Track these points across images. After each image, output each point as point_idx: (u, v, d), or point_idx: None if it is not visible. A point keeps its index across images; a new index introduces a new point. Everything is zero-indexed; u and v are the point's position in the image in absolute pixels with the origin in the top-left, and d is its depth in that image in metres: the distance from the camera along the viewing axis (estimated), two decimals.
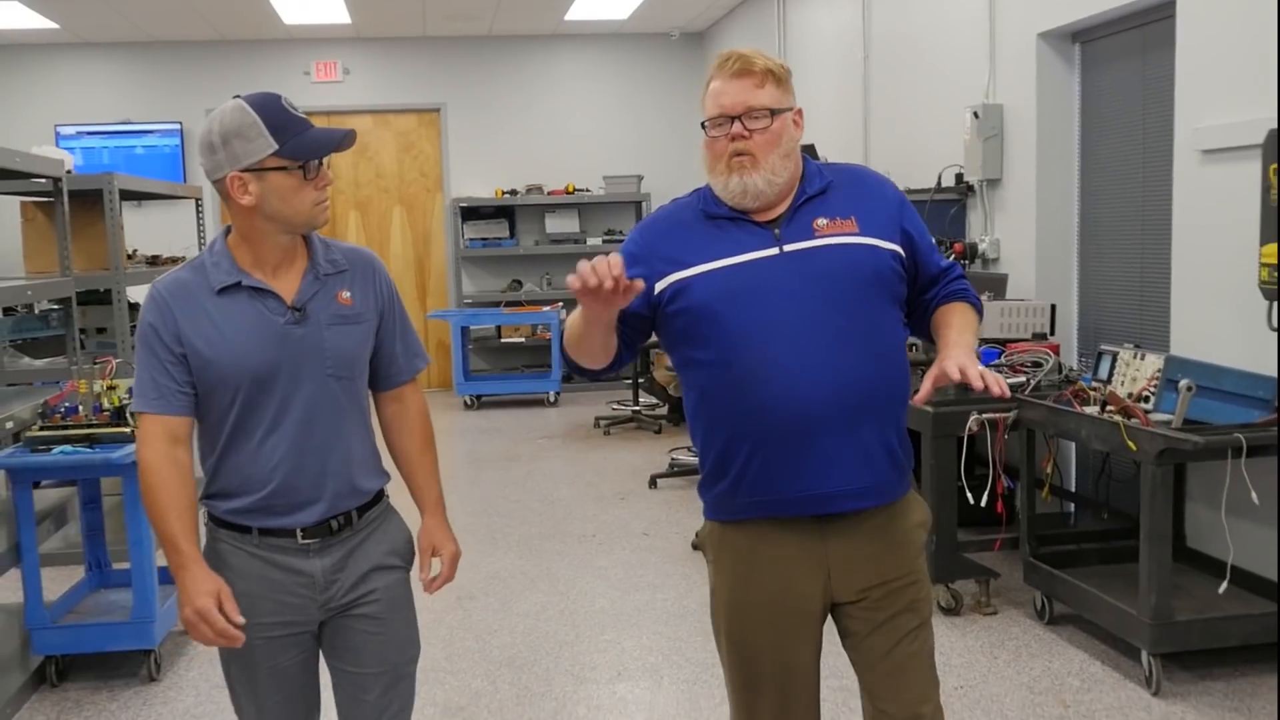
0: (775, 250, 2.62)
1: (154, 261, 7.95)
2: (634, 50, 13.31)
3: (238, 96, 2.64)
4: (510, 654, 5.02)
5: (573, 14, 11.94)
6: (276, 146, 2.58)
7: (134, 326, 6.87)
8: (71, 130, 12.35)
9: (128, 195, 7.31)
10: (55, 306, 7.48)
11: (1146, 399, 4.48)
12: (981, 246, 6.68)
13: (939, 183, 7.02)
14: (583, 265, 2.35)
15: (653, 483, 8.19)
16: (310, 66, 12.78)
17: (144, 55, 12.60)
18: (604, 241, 12.93)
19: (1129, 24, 5.67)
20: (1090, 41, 6.07)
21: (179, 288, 2.68)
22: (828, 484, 2.59)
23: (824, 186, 2.69)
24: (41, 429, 4.67)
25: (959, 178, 6.91)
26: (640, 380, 10.75)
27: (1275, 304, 4.29)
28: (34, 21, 11.13)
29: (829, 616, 2.74)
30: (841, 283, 2.60)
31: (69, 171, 6.12)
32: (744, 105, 2.60)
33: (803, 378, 2.55)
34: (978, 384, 2.43)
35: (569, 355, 2.76)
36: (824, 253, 2.61)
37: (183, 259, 8.19)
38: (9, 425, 4.59)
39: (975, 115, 6.54)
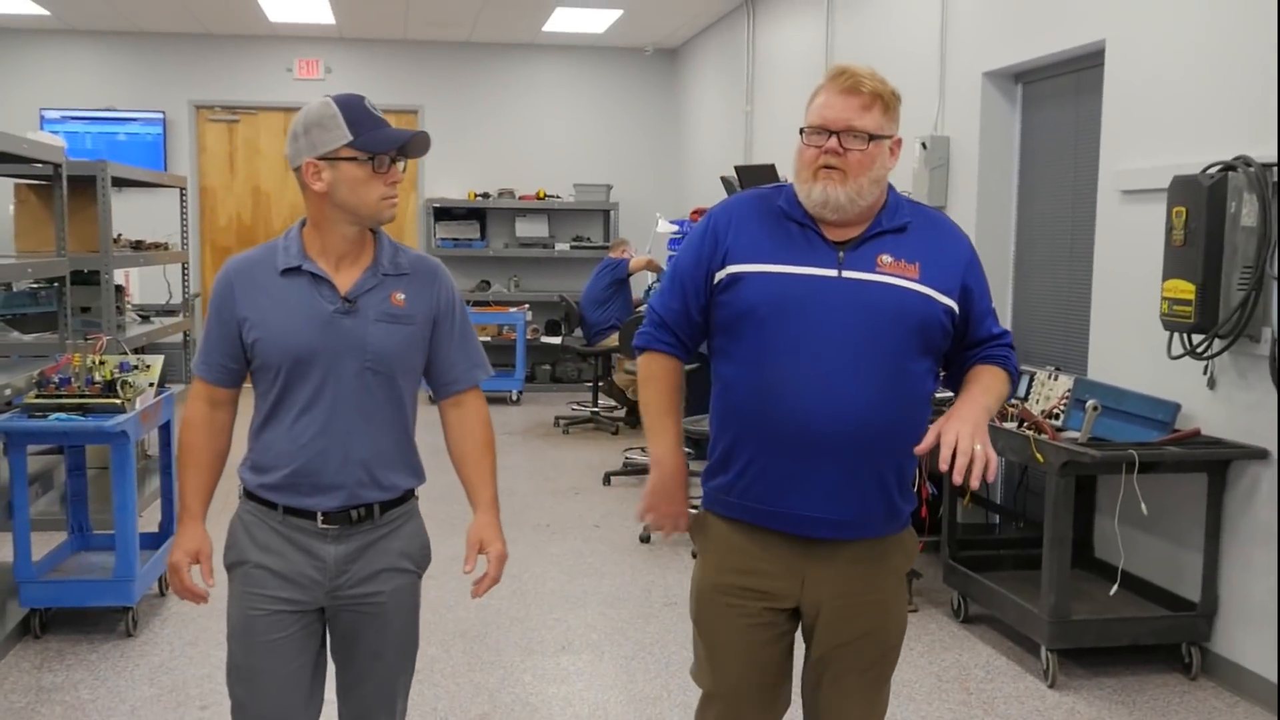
0: (834, 272, 2.64)
1: (138, 246, 8.25)
2: (609, 63, 13.66)
3: (327, 95, 2.80)
4: (464, 627, 5.39)
5: (551, 25, 12.24)
6: (351, 138, 2.71)
7: (119, 306, 7.26)
8: (56, 115, 12.57)
9: (115, 182, 7.63)
10: (42, 285, 7.77)
11: (1057, 416, 4.90)
12: None
13: None
14: (653, 515, 2.86)
15: (606, 480, 8.58)
16: (293, 64, 13.06)
17: (130, 45, 12.83)
18: (572, 247, 13.28)
19: (1065, 69, 6.09)
20: (1031, 82, 6.51)
21: (247, 265, 2.86)
22: (817, 510, 2.65)
23: (902, 224, 2.71)
24: (37, 397, 5.02)
25: None
26: (600, 383, 11.15)
27: (1173, 335, 4.72)
28: (26, 8, 11.41)
29: (800, 629, 2.84)
30: (886, 322, 2.62)
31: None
32: (846, 123, 2.62)
33: (817, 400, 2.59)
34: (961, 464, 2.46)
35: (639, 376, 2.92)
36: (879, 289, 2.63)
37: (165, 245, 8.56)
38: (7, 392, 4.92)
39: (924, 146, 6.96)
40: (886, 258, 2.65)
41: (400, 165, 2.81)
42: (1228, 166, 4.44)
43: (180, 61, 12.87)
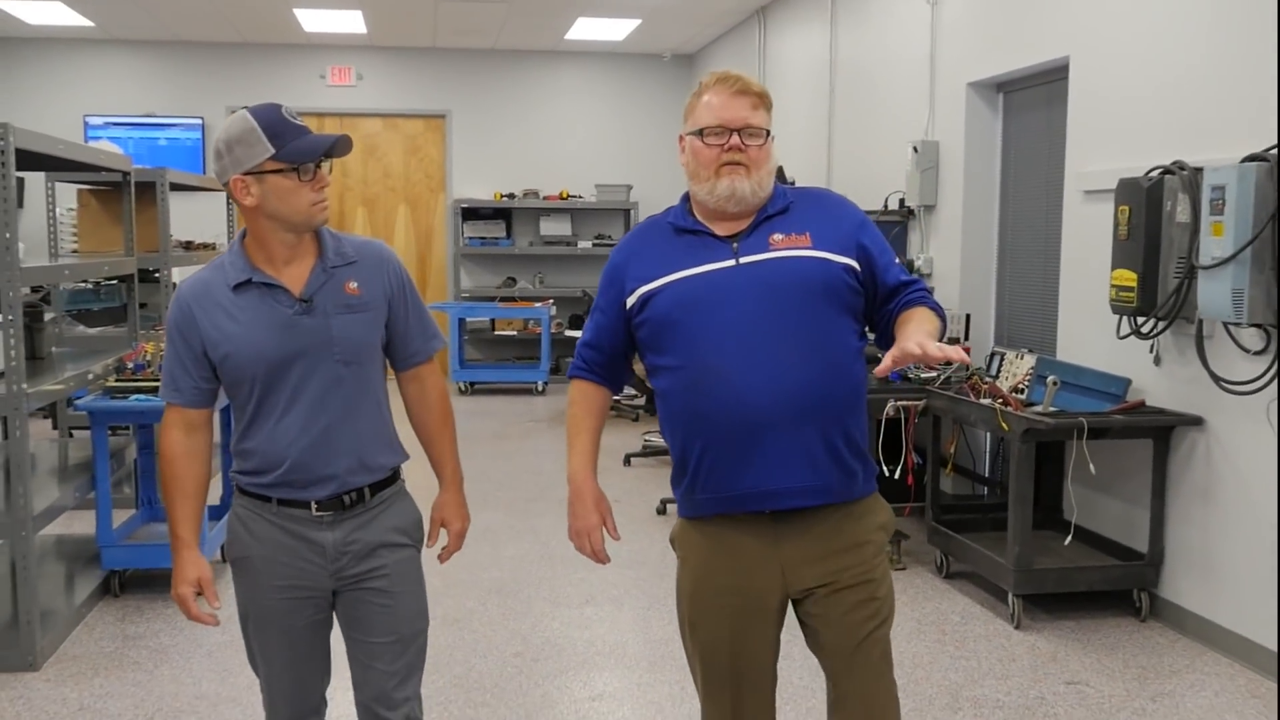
0: (731, 262, 2.76)
1: (188, 246, 8.85)
2: (628, 69, 14.19)
3: (243, 109, 2.83)
4: (498, 584, 6.02)
5: (573, 34, 12.78)
6: (273, 151, 2.76)
7: None
8: (99, 121, 13.12)
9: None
10: (90, 284, 8.37)
11: (1022, 391, 5.51)
12: (918, 263, 7.69)
13: (886, 205, 8.05)
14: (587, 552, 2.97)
15: (627, 460, 9.22)
16: (326, 71, 13.58)
17: (170, 53, 13.38)
18: (594, 245, 13.82)
19: (1038, 80, 6.68)
20: (1010, 92, 7.10)
21: (201, 287, 2.90)
22: (772, 481, 2.72)
23: (785, 206, 2.83)
24: (117, 381, 5.66)
25: (901, 202, 7.94)
26: None
27: (1120, 318, 5.33)
28: (72, 19, 11.98)
29: (789, 611, 2.90)
30: (792, 293, 2.72)
31: None
32: (744, 121, 2.76)
33: (749, 380, 2.68)
34: (937, 355, 2.51)
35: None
36: (776, 264, 2.74)
37: (212, 245, 9.19)
38: (91, 376, 5.55)
39: (915, 149, 7.55)
40: (778, 236, 2.78)
41: (326, 168, 2.86)
42: (1166, 170, 5.04)
43: (218, 69, 13.40)
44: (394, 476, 3.06)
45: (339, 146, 2.83)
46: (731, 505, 2.78)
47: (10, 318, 4.63)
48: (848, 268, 2.78)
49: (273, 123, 2.77)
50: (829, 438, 2.74)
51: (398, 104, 13.69)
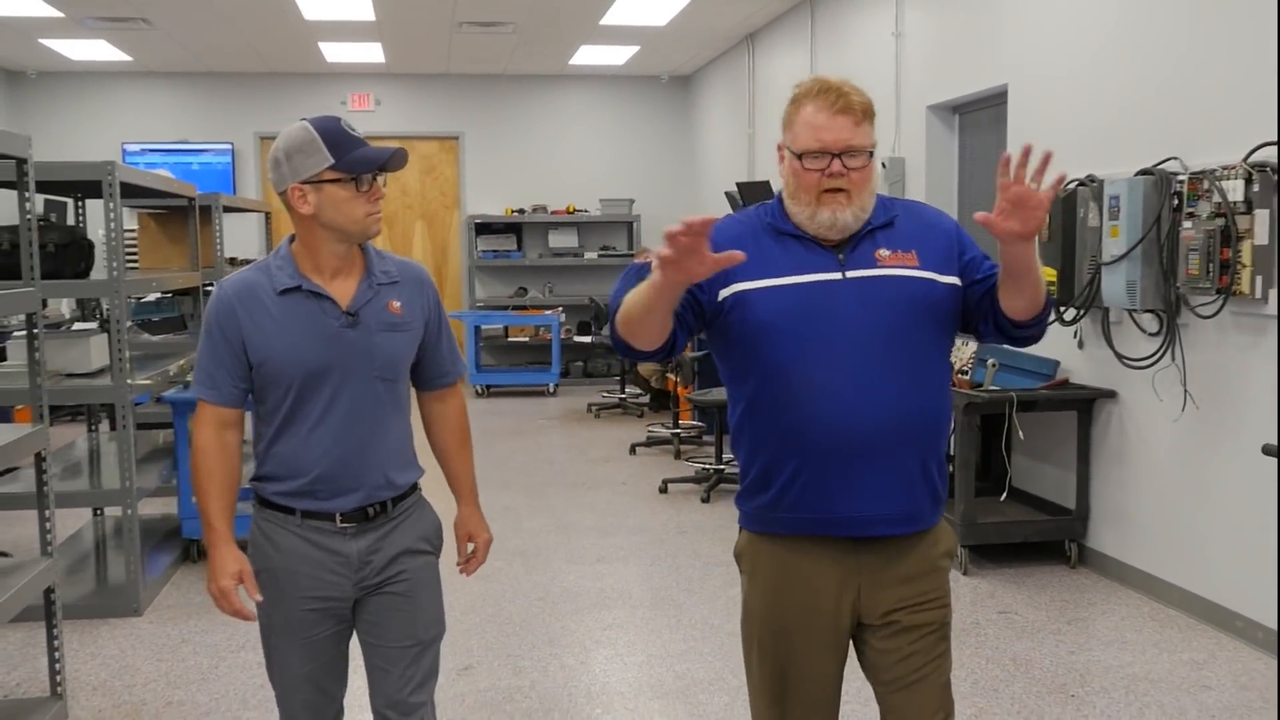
0: (838, 275, 2.62)
1: (233, 262, 9.80)
2: (629, 90, 15.10)
3: (303, 119, 2.85)
4: (520, 549, 6.95)
5: (577, 59, 13.68)
6: (333, 160, 2.77)
7: None
8: (136, 147, 14.05)
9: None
10: (146, 297, 9.27)
11: (967, 373, 6.45)
12: None
13: None
14: (672, 227, 2.26)
15: (632, 450, 10.13)
16: (346, 97, 14.47)
17: (202, 84, 14.32)
18: (599, 255, 14.71)
19: (987, 103, 7.62)
20: (966, 113, 8.04)
21: (244, 287, 2.89)
22: (866, 508, 2.62)
23: (889, 219, 2.69)
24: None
25: None
26: (626, 373, 12.69)
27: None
28: (112, 54, 12.95)
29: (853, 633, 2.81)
30: (899, 313, 2.61)
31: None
32: (845, 144, 2.58)
33: (853, 402, 2.57)
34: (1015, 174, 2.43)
35: (620, 334, 2.66)
36: (885, 282, 2.62)
37: (254, 260, 10.11)
38: (172, 372, 6.48)
39: (884, 165, 8.48)
40: (884, 251, 2.64)
41: (381, 181, 2.86)
42: (1080, 183, 5.97)
43: (247, 98, 14.34)
44: (413, 489, 3.10)
45: (395, 160, 2.86)
46: (819, 528, 2.67)
47: (118, 324, 5.56)
48: (952, 288, 2.68)
49: (333, 133, 2.80)
50: (924, 465, 2.68)
51: (414, 127, 14.51)
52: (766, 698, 2.81)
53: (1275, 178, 4.89)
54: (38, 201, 10.29)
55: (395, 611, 3.00)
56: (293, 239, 2.93)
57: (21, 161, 4.26)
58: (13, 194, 5.84)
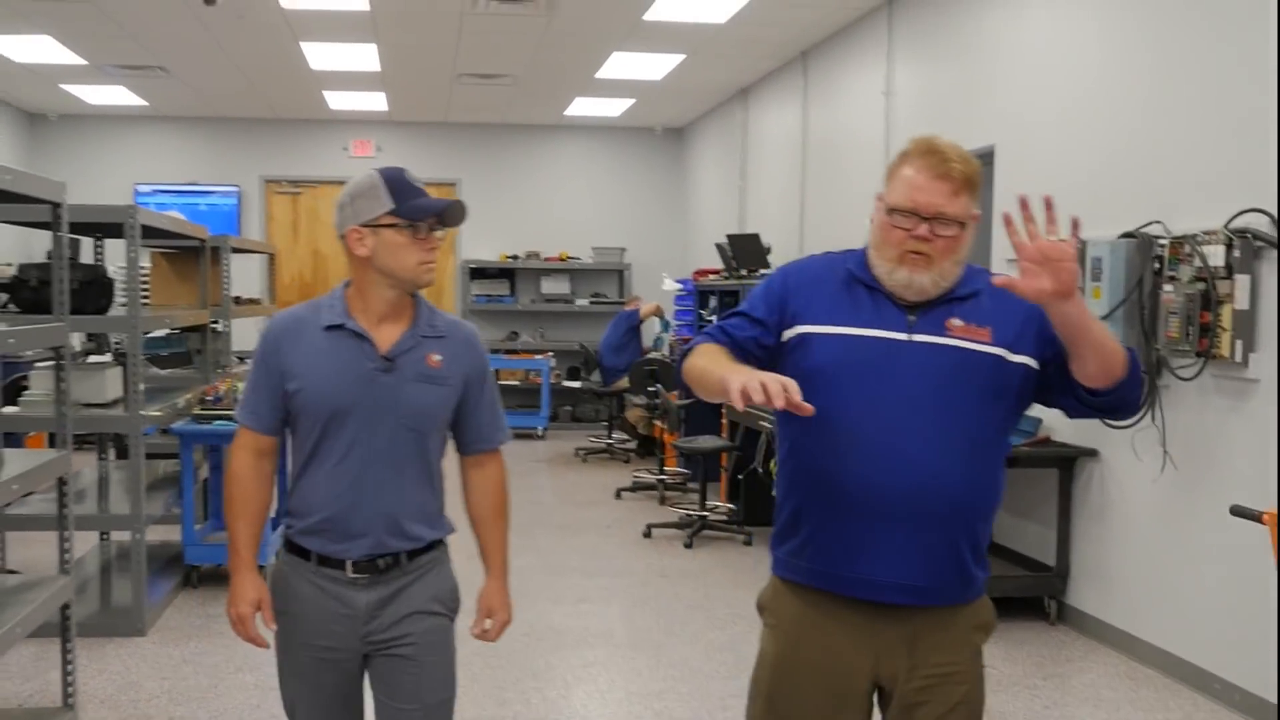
0: (904, 335, 2.59)
1: (238, 301, 10.11)
2: (623, 141, 15.47)
3: (372, 169, 2.93)
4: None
5: (572, 110, 14.08)
6: (393, 206, 2.84)
7: (240, 356, 9.05)
8: (147, 189, 14.41)
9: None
10: (156, 333, 9.56)
11: None
12: None
13: None
14: (756, 385, 2.32)
15: (618, 495, 10.41)
16: (349, 143, 14.87)
17: (210, 128, 14.74)
18: (591, 302, 15.03)
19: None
20: None
21: (293, 320, 2.98)
22: (882, 573, 2.58)
23: (974, 292, 2.64)
24: (202, 409, 6.90)
25: None
26: (613, 420, 12.97)
27: None
28: (129, 99, 13.39)
29: (875, 700, 2.74)
30: (960, 387, 2.56)
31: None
32: (936, 210, 2.55)
33: (889, 464, 2.53)
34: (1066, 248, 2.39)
35: (690, 383, 2.71)
36: (950, 352, 2.57)
37: (257, 300, 10.43)
38: (180, 404, 6.78)
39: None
40: (957, 322, 2.60)
41: (439, 233, 2.93)
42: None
43: (253, 142, 14.76)
44: (434, 544, 3.07)
45: (452, 211, 2.92)
46: (837, 586, 2.65)
47: (134, 358, 5.87)
48: (1024, 368, 2.62)
49: (396, 181, 2.88)
50: (955, 543, 2.61)
51: (413, 172, 14.60)
52: None
53: (1256, 244, 5.10)
54: (45, 238, 10.64)
55: (403, 674, 2.99)
56: (348, 284, 3.00)
57: (56, 205, 4.57)
58: (16, 229, 6.13)
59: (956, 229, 2.57)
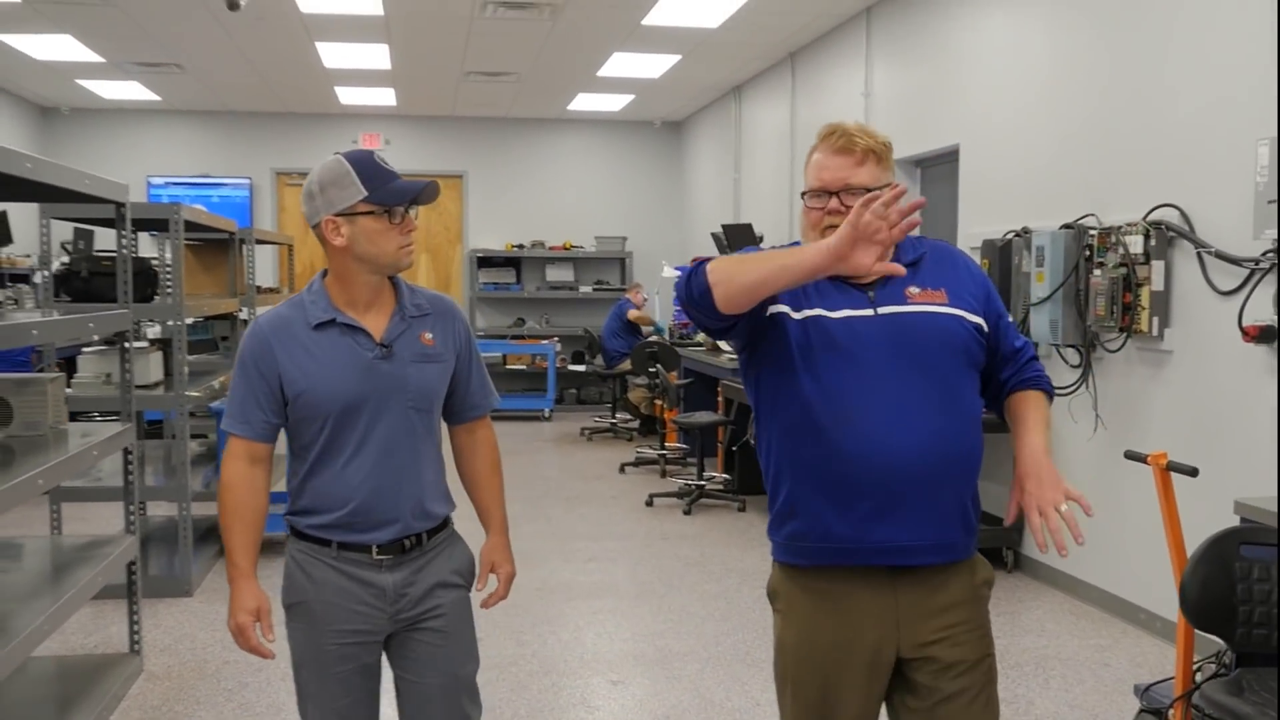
0: (870, 311, 2.61)
1: (259, 290, 10.63)
2: (624, 134, 15.96)
3: (337, 154, 2.84)
4: (519, 550, 7.39)
5: (574, 105, 14.57)
6: (366, 193, 2.76)
7: None
8: (160, 181, 14.85)
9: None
10: (189, 321, 10.09)
11: None
12: None
13: None
14: (885, 196, 2.28)
15: (622, 469, 10.97)
16: (358, 137, 15.25)
17: (223, 122, 15.17)
18: (594, 289, 15.52)
19: (944, 160, 8.52)
20: (927, 167, 8.95)
21: (279, 322, 2.88)
22: (904, 537, 2.58)
23: (917, 258, 2.69)
24: None
25: None
26: (617, 400, 13.51)
27: None
28: (143, 94, 13.82)
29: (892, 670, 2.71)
30: (931, 348, 2.59)
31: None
32: (842, 182, 2.60)
33: (890, 433, 2.54)
34: (1042, 547, 2.54)
35: (713, 288, 2.54)
36: (916, 318, 2.61)
37: (276, 289, 10.95)
38: (215, 386, 7.32)
39: None
40: (914, 289, 2.63)
41: (414, 214, 2.86)
42: (1017, 233, 6.86)
43: (264, 135, 15.21)
44: (447, 522, 3.08)
45: (427, 192, 2.86)
46: (856, 558, 2.62)
47: (179, 342, 6.41)
48: (978, 328, 2.68)
49: (366, 166, 2.81)
50: (960, 496, 2.65)
51: (421, 165, 15.16)
52: None
53: (1169, 234, 5.78)
54: (65, 229, 11.02)
55: (431, 647, 2.98)
56: (325, 274, 2.93)
57: (120, 205, 5.11)
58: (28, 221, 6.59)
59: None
